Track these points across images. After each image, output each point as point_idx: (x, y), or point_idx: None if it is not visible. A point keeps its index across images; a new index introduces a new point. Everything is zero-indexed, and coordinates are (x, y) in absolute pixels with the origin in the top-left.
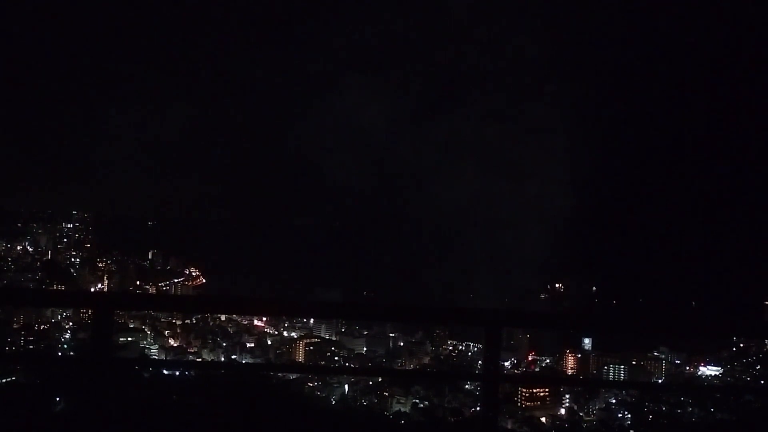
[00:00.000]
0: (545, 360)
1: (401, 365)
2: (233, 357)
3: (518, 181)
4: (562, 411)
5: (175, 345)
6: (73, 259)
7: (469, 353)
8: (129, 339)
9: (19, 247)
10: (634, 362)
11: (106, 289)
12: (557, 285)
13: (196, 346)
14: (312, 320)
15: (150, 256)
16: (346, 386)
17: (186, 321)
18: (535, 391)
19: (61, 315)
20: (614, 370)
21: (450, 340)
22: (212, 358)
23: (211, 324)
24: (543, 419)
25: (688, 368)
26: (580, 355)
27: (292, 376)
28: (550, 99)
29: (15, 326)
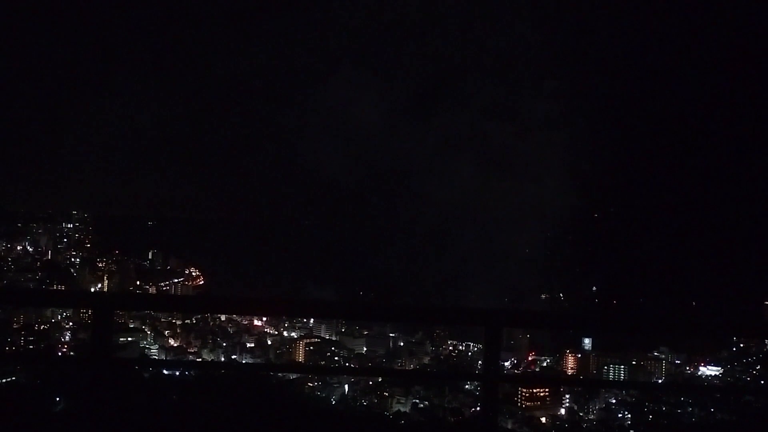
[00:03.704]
0: (545, 360)
1: (401, 365)
2: (233, 357)
3: (518, 180)
4: (562, 411)
5: (175, 345)
6: (73, 259)
7: (469, 353)
8: (129, 339)
9: (19, 247)
10: (634, 362)
11: (106, 289)
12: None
13: (196, 346)
14: (312, 320)
15: (150, 256)
16: (346, 386)
17: (186, 321)
18: (535, 391)
19: (61, 315)
20: (614, 370)
21: (450, 340)
22: (212, 358)
23: (211, 324)
24: (543, 419)
25: (688, 368)
26: (580, 355)
27: (292, 376)
28: (550, 95)
29: (15, 326)
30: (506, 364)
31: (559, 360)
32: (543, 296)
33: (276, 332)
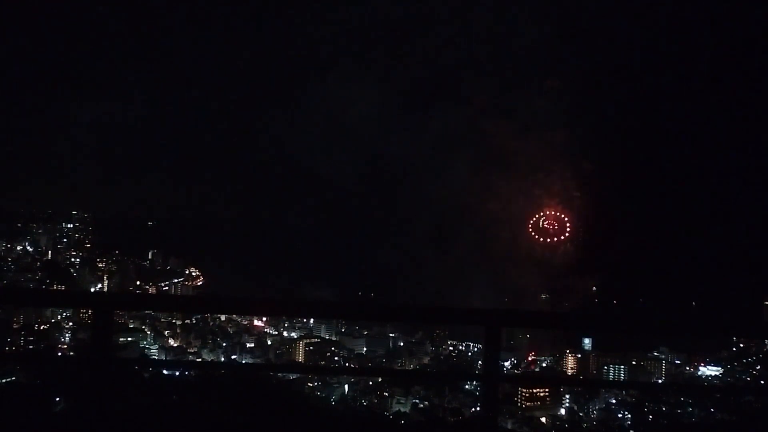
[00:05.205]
0: (545, 360)
1: (401, 365)
2: (233, 357)
3: (517, 179)
4: (562, 411)
5: (175, 345)
6: (73, 259)
7: (469, 353)
8: (129, 339)
9: (19, 247)
10: (634, 362)
11: (106, 289)
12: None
13: (196, 346)
14: (312, 320)
15: (150, 256)
16: (346, 386)
17: (186, 321)
18: (535, 391)
19: (61, 315)
20: (614, 370)
21: (450, 340)
22: (212, 358)
23: (211, 324)
24: (543, 419)
25: (688, 368)
26: (580, 355)
27: (292, 376)
28: (550, 94)
29: (15, 326)
30: (506, 364)
31: (559, 360)
32: (543, 296)
33: (276, 332)
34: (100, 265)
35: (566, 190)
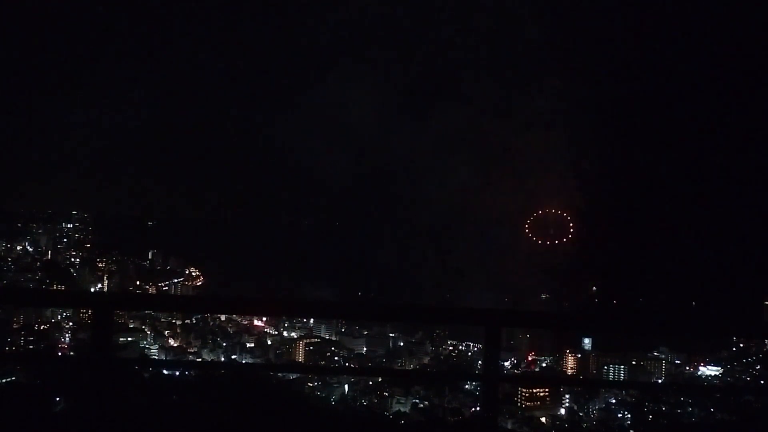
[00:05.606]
0: (545, 360)
1: (401, 365)
2: (233, 357)
3: (517, 178)
4: (562, 411)
5: (175, 345)
6: (73, 259)
7: (469, 353)
8: (129, 339)
9: (19, 247)
10: (634, 362)
11: (106, 289)
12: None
13: (196, 346)
14: (312, 320)
15: (150, 256)
16: (346, 386)
17: (186, 321)
18: (535, 391)
19: (61, 315)
20: (614, 370)
21: (450, 340)
22: (212, 358)
23: (211, 324)
24: (543, 419)
25: (688, 368)
26: (580, 355)
27: (292, 376)
28: (550, 92)
29: (15, 326)
30: (506, 364)
31: (559, 360)
32: (543, 296)
33: (276, 332)
34: (100, 265)
35: (567, 190)
